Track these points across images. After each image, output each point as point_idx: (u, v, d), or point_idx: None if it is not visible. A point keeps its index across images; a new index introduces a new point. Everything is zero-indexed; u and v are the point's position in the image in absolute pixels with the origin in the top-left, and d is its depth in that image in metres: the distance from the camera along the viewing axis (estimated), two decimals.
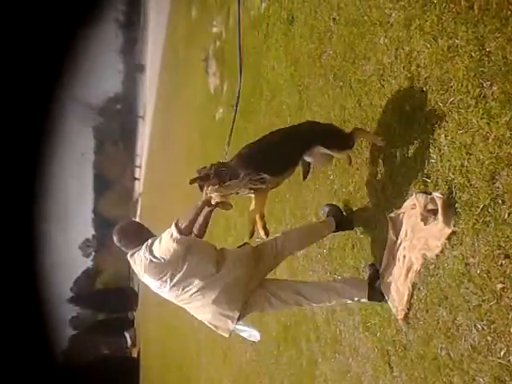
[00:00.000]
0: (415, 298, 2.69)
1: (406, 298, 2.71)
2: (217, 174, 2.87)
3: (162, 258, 2.90)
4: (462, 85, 2.40)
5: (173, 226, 2.91)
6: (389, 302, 2.91)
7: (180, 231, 2.88)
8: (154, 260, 2.92)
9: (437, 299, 2.50)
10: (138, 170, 62.56)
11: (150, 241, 3.00)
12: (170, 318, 14.76)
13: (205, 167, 2.95)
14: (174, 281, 2.94)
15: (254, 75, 6.42)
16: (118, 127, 78.77)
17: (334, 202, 3.75)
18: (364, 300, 2.99)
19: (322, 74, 4.07)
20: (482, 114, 2.24)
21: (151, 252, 2.92)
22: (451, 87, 2.48)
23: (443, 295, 2.45)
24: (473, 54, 2.33)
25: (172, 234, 2.88)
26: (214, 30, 9.65)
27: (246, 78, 6.99)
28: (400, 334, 2.80)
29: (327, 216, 3.57)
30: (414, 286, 2.69)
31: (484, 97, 2.25)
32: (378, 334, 3.03)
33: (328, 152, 3.19)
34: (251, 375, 5.64)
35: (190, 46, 13.75)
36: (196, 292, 2.94)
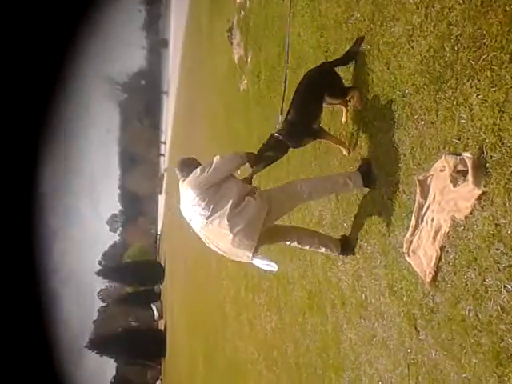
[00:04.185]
0: (443, 260, 2.65)
1: (434, 260, 2.67)
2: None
3: (211, 170, 3.50)
4: (495, 40, 2.32)
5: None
6: (414, 267, 2.90)
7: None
8: (204, 174, 3.49)
9: (465, 261, 2.47)
10: (163, 146, 62.97)
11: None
12: (195, 290, 15.01)
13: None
14: (208, 201, 3.48)
15: (279, 44, 6.32)
16: (142, 103, 79.07)
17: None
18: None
19: (349, 38, 3.98)
20: None
21: (203, 169, 3.53)
22: (484, 44, 2.39)
23: (472, 257, 2.42)
24: (507, 7, 2.24)
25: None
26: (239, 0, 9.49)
27: (271, 47, 6.90)
28: (427, 298, 2.78)
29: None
30: (442, 248, 2.66)
31: None
32: (404, 298, 3.02)
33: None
34: (276, 342, 5.72)
35: (214, 19, 13.58)
36: (223, 220, 3.41)
